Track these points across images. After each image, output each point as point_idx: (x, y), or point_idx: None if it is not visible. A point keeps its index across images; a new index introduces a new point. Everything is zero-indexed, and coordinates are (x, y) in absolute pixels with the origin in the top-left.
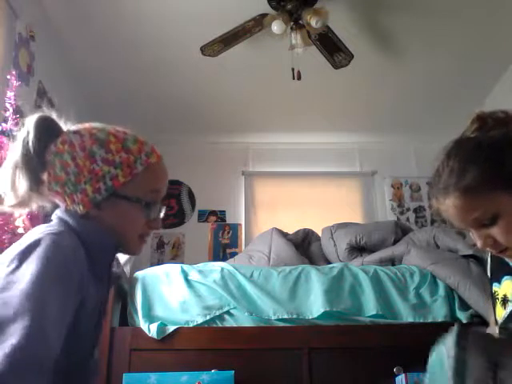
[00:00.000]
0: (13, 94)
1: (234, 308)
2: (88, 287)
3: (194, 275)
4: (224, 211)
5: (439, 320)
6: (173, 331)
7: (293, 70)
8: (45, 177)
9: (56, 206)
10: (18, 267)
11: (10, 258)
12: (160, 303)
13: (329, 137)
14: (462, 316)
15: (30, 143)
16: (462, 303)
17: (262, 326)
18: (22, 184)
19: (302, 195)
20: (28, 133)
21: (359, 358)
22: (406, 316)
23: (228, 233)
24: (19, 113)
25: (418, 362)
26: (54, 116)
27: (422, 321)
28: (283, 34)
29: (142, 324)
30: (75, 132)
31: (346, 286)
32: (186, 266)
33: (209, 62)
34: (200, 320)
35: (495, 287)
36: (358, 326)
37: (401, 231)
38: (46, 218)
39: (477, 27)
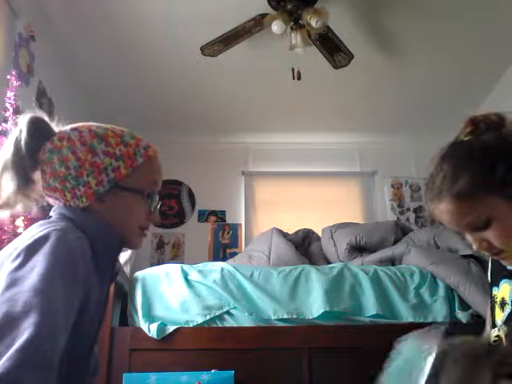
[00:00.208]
0: (13, 94)
1: (234, 308)
2: (92, 283)
3: (194, 275)
4: (224, 211)
5: (439, 320)
6: (173, 331)
7: (293, 70)
8: (36, 176)
9: (43, 207)
10: (24, 263)
11: (14, 253)
12: (160, 303)
13: (329, 137)
14: (462, 316)
15: (23, 141)
16: (462, 303)
17: (262, 326)
18: (9, 185)
19: (302, 195)
20: (21, 131)
21: (359, 358)
22: (406, 316)
23: (228, 233)
24: (19, 113)
25: None
26: (46, 118)
27: (422, 321)
28: (283, 34)
29: (142, 324)
30: (73, 129)
31: (346, 286)
32: (186, 266)
33: (209, 62)
34: (200, 320)
35: (495, 291)
36: (358, 326)
37: (401, 231)
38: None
39: (477, 27)
